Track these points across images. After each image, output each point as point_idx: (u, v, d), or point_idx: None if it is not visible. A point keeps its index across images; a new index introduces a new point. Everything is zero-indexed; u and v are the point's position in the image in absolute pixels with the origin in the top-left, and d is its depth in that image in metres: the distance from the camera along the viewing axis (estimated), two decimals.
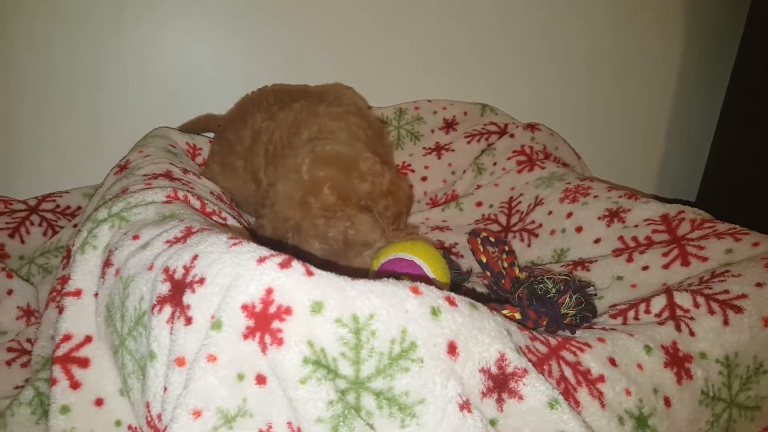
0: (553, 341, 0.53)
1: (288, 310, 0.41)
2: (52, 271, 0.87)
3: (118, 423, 0.54)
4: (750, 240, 0.68)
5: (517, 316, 0.60)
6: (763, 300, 0.58)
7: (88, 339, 0.56)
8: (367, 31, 1.20)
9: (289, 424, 0.43)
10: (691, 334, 0.56)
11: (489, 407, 0.45)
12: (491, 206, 1.05)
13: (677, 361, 0.54)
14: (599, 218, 0.85)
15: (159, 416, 0.44)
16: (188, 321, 0.43)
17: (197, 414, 0.41)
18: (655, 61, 1.33)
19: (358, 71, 1.20)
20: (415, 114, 1.22)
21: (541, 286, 0.67)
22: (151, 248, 0.52)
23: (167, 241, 0.52)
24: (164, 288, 0.46)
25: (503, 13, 1.24)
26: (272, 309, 0.41)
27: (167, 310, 0.45)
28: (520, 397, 0.45)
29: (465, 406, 0.43)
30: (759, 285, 0.59)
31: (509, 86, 1.29)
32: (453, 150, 1.19)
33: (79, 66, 1.09)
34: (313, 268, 0.44)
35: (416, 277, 0.68)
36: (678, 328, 0.56)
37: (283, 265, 0.43)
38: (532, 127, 1.15)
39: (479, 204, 1.06)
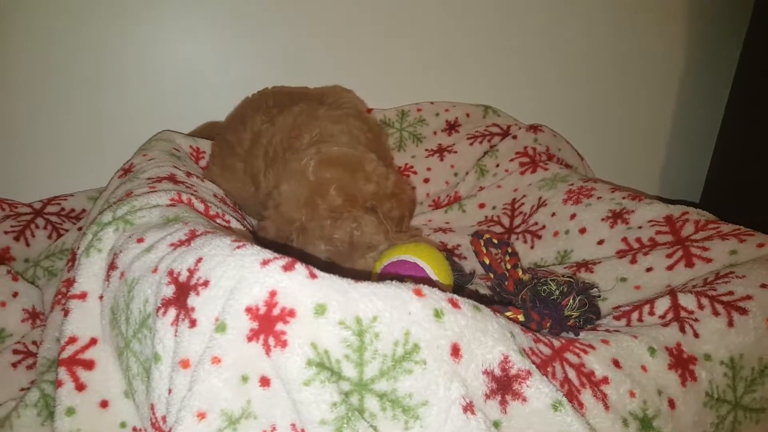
0: (556, 343, 0.53)
1: (291, 313, 0.42)
2: (57, 274, 0.87)
3: (123, 425, 0.54)
4: (754, 241, 0.68)
5: (521, 318, 0.60)
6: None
7: (93, 341, 0.57)
8: (368, 31, 1.20)
9: (293, 426, 0.43)
10: (696, 335, 0.56)
11: (492, 409, 0.45)
12: (494, 208, 1.05)
13: (682, 363, 0.54)
14: (603, 219, 0.85)
15: (164, 418, 0.44)
16: (192, 323, 0.43)
17: (202, 416, 0.41)
18: (656, 62, 1.33)
19: (358, 72, 1.20)
20: (418, 116, 1.22)
21: (545, 287, 0.67)
22: (155, 251, 0.52)
23: (171, 244, 0.52)
24: (169, 291, 0.46)
25: (504, 14, 1.24)
26: (276, 311, 0.42)
27: (172, 312, 0.45)
28: (524, 399, 0.45)
29: (468, 408, 0.43)
30: (764, 286, 0.59)
31: (510, 87, 1.29)
32: (456, 152, 1.19)
33: (79, 66, 1.09)
34: (316, 271, 0.44)
35: (419, 279, 0.68)
36: (682, 330, 0.56)
37: (287, 268, 0.43)
38: (534, 128, 1.15)
39: (482, 206, 1.06)
